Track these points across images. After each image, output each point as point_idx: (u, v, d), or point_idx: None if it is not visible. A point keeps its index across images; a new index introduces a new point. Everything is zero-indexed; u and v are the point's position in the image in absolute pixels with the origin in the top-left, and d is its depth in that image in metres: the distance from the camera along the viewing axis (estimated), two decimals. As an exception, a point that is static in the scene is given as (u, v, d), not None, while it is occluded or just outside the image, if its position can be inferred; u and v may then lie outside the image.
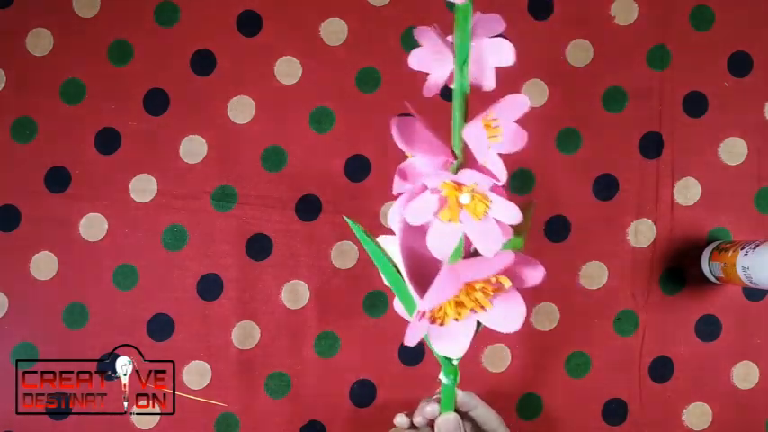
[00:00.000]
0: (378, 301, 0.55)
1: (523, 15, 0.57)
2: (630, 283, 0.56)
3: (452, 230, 0.30)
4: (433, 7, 0.56)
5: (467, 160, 0.31)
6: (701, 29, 0.57)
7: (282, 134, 0.56)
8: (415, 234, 0.32)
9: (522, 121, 0.31)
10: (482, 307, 0.31)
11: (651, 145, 0.56)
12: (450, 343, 0.33)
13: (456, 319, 0.31)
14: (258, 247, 0.55)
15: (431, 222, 0.30)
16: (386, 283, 0.35)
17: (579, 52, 0.57)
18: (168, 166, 0.55)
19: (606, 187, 0.56)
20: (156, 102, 0.55)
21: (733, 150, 0.56)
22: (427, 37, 0.31)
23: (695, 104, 0.57)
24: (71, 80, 0.55)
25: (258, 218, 0.55)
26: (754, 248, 0.49)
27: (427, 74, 0.33)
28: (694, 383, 0.56)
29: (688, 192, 0.56)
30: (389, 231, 0.38)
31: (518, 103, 0.30)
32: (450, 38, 0.32)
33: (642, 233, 0.56)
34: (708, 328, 0.56)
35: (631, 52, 0.57)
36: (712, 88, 0.57)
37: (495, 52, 0.32)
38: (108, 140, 0.55)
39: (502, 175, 0.30)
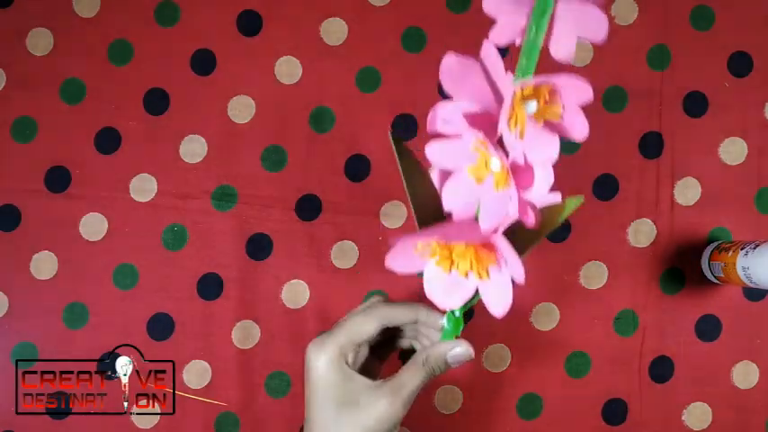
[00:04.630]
0: (378, 301, 0.55)
1: (523, 15, 0.57)
2: (630, 283, 0.56)
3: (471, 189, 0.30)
4: (432, 7, 0.56)
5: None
6: (701, 29, 0.57)
7: (282, 134, 0.56)
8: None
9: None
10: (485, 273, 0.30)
11: (651, 145, 0.56)
12: (445, 295, 0.32)
13: (464, 274, 0.30)
14: (258, 247, 0.55)
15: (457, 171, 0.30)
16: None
17: (579, 52, 0.57)
18: (168, 166, 0.55)
19: (606, 187, 0.56)
20: (156, 102, 0.55)
21: (733, 150, 0.56)
22: None
23: (695, 104, 0.57)
24: (71, 80, 0.55)
25: (258, 218, 0.55)
26: (754, 248, 0.49)
27: (493, 21, 0.28)
28: (694, 383, 0.56)
29: (688, 192, 0.56)
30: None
31: (579, 88, 0.27)
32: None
33: (642, 233, 0.56)
34: (708, 328, 0.56)
35: (631, 52, 0.57)
36: (712, 88, 0.57)
37: (583, 20, 0.27)
38: (108, 140, 0.55)
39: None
